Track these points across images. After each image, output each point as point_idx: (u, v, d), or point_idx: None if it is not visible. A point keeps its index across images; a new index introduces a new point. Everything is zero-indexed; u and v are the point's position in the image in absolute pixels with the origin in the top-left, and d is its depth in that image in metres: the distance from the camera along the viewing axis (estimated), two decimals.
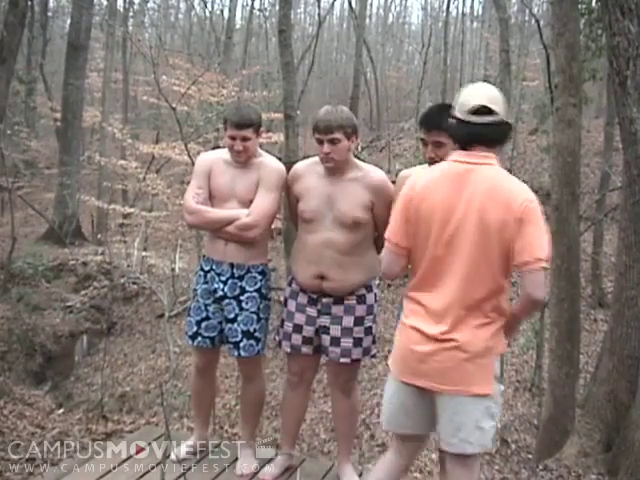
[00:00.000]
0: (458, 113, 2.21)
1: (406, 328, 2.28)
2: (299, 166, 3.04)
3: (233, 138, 2.92)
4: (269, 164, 3.03)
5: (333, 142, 2.75)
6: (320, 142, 2.79)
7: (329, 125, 2.74)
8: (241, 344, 2.99)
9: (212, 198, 3.03)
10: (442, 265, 2.19)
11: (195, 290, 3.11)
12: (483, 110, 2.15)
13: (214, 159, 3.09)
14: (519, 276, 2.18)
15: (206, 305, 3.05)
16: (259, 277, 3.02)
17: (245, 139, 2.91)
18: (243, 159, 2.97)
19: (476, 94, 2.20)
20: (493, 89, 2.26)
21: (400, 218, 2.28)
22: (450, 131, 2.29)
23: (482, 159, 2.18)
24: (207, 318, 3.05)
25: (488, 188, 2.14)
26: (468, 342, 2.15)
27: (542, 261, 2.10)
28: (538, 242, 2.13)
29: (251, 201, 2.95)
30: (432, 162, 2.75)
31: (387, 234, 2.32)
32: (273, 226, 3.35)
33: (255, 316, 3.01)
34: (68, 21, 18.50)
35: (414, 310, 2.27)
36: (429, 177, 2.27)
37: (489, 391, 2.17)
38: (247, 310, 2.99)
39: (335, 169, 2.84)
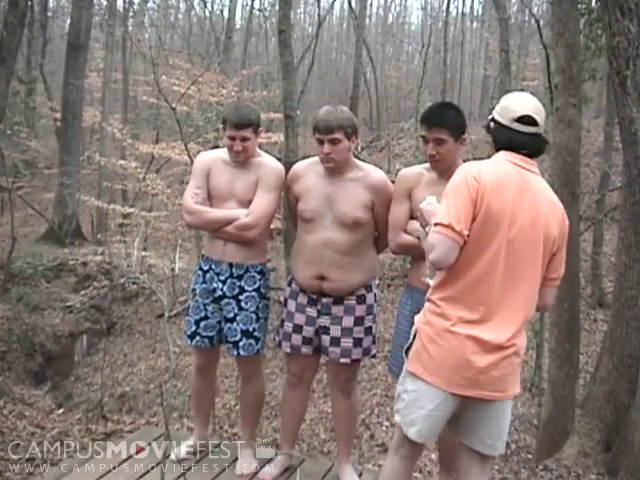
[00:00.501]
0: (500, 118, 2.22)
1: (458, 337, 2.09)
2: (299, 166, 3.04)
3: (232, 138, 2.92)
4: (268, 164, 3.03)
5: (333, 142, 2.75)
6: (320, 142, 2.79)
7: (329, 125, 2.74)
8: (240, 343, 2.99)
9: (211, 198, 3.02)
10: (503, 268, 2.10)
11: (194, 290, 3.11)
12: (528, 120, 2.17)
13: (213, 159, 3.09)
14: (542, 285, 2.22)
15: (205, 304, 3.05)
16: (258, 277, 3.03)
17: (244, 139, 2.91)
18: (242, 159, 2.97)
19: (523, 103, 2.21)
20: (537, 101, 2.26)
21: (467, 206, 2.09)
22: (491, 134, 2.28)
23: (535, 168, 2.19)
24: (206, 317, 3.05)
25: (549, 201, 2.18)
26: (522, 346, 2.16)
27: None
28: (564, 259, 2.25)
29: (250, 201, 2.95)
30: (432, 160, 2.75)
31: (445, 219, 2.08)
32: (273, 226, 3.36)
33: (254, 315, 3.01)
34: (68, 21, 18.50)
35: (464, 317, 2.10)
36: (494, 172, 2.14)
37: (519, 390, 2.23)
38: (246, 310, 2.99)
39: (335, 169, 2.84)
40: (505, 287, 2.10)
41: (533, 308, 2.22)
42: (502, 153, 2.21)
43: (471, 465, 2.28)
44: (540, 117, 2.20)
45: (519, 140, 2.17)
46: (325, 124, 2.74)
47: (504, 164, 2.18)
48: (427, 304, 2.24)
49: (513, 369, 2.14)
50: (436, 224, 2.10)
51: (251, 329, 3.00)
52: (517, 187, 2.12)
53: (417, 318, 2.26)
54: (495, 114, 2.25)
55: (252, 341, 3.01)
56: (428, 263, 2.21)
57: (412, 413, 2.21)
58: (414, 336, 2.27)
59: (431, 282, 2.28)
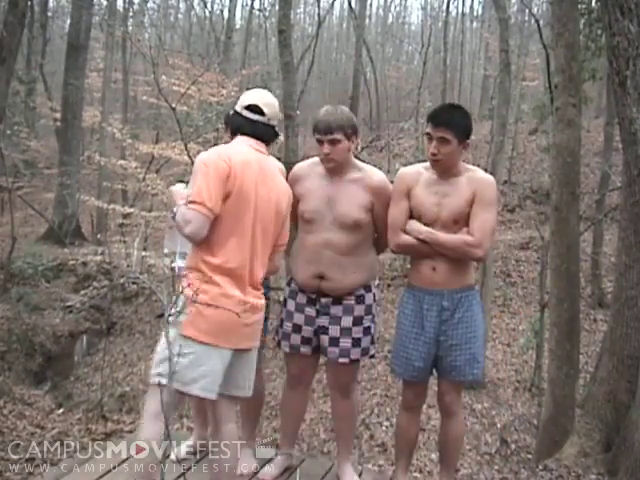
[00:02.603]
0: (236, 107, 2.61)
1: (232, 299, 2.39)
2: (299, 167, 3.04)
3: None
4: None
5: (333, 143, 2.75)
6: (320, 142, 2.79)
7: (329, 126, 2.73)
8: None
9: None
10: (254, 238, 2.48)
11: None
12: (255, 108, 2.55)
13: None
14: (273, 251, 2.63)
15: None
16: None
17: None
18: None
19: (255, 96, 2.61)
20: (271, 97, 2.64)
21: (218, 186, 2.40)
22: (229, 121, 2.68)
23: (265, 150, 2.57)
24: None
25: (280, 180, 2.62)
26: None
27: None
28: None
29: None
30: (433, 158, 2.75)
31: (198, 197, 2.35)
32: None
33: None
34: (68, 21, 18.52)
35: (231, 282, 2.41)
36: (241, 154, 2.47)
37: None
38: None
39: (335, 170, 2.84)
40: (257, 255, 2.47)
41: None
42: (240, 138, 2.55)
43: (226, 411, 2.57)
44: (268, 109, 2.55)
45: (247, 125, 2.54)
46: (325, 124, 2.74)
47: (246, 148, 2.51)
48: (192, 274, 2.41)
49: (260, 324, 2.55)
50: (191, 202, 2.35)
51: None
52: (258, 167, 2.48)
53: (183, 288, 2.39)
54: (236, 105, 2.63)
55: None
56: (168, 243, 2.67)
57: (193, 372, 2.37)
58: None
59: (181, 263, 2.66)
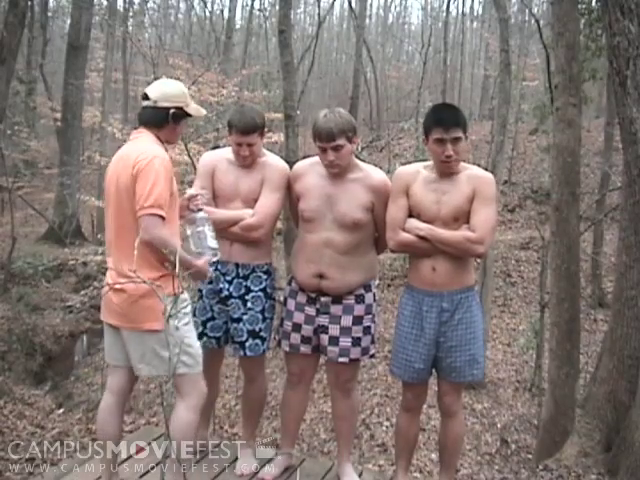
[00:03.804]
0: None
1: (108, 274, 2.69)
2: (300, 165, 3.04)
3: (239, 144, 2.92)
4: (273, 164, 3.02)
5: (337, 149, 2.74)
6: (323, 150, 2.77)
7: (331, 133, 2.71)
8: (247, 344, 2.99)
9: (216, 198, 3.02)
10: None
11: (200, 290, 3.10)
12: (143, 96, 2.65)
13: (218, 159, 3.08)
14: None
15: (211, 305, 3.05)
16: (264, 277, 3.03)
17: (251, 144, 2.91)
18: (249, 163, 2.98)
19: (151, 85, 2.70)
20: (164, 80, 2.84)
21: None
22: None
23: (136, 134, 2.68)
24: (212, 318, 3.05)
25: (123, 158, 2.62)
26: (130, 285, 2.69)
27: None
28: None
29: (255, 200, 2.94)
30: (450, 161, 2.69)
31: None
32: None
33: (260, 315, 3.00)
34: (68, 21, 18.51)
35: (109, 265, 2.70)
36: None
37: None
38: (253, 310, 2.99)
39: (338, 172, 2.84)
40: (111, 244, 2.63)
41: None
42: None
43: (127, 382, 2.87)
44: (153, 92, 2.62)
45: (139, 115, 2.70)
46: (327, 132, 2.72)
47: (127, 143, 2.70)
48: None
49: (136, 307, 2.58)
50: None
51: (257, 329, 3.00)
52: (115, 159, 2.65)
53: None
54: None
55: (258, 341, 3.00)
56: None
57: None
58: None
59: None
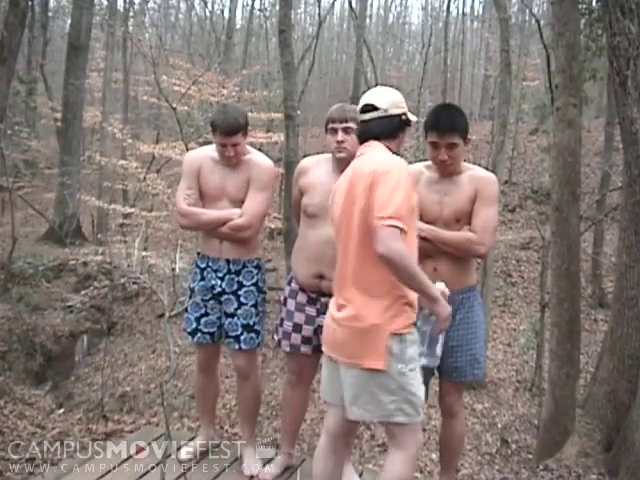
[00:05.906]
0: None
1: None
2: (306, 160, 3.07)
3: (224, 145, 2.93)
4: (259, 162, 3.04)
5: (347, 131, 2.78)
6: (334, 131, 2.81)
7: (343, 115, 2.79)
8: (242, 337, 3.03)
9: (202, 197, 3.05)
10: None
11: (192, 288, 3.12)
12: (364, 108, 2.40)
13: (202, 157, 3.10)
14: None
15: (204, 301, 3.07)
16: (255, 271, 3.07)
17: (235, 145, 2.93)
18: (234, 162, 2.99)
19: (365, 95, 2.45)
20: (383, 89, 2.48)
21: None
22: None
23: (365, 148, 2.40)
24: (206, 314, 3.09)
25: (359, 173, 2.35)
26: None
27: None
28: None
29: (242, 200, 2.97)
30: (444, 164, 2.72)
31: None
32: (273, 226, 3.38)
33: (254, 309, 3.05)
34: (68, 21, 18.52)
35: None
36: None
37: None
38: (246, 304, 3.03)
39: (344, 163, 2.83)
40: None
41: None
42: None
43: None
44: (379, 100, 2.37)
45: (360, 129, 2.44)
46: (340, 113, 2.80)
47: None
48: None
49: None
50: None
51: (251, 323, 3.04)
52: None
53: None
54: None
55: (253, 335, 3.05)
56: None
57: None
58: None
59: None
